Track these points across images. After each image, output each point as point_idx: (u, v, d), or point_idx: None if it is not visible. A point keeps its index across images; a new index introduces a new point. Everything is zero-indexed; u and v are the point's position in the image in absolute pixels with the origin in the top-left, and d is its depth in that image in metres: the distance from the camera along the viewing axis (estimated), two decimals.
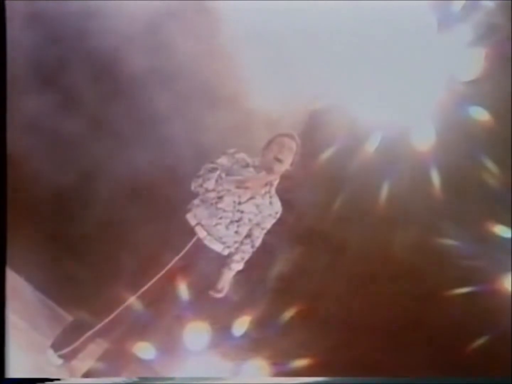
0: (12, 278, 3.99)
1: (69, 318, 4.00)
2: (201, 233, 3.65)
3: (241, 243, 3.76)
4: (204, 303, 3.80)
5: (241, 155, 3.83)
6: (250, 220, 3.74)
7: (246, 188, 3.65)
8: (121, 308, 3.54)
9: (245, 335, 4.28)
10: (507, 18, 4.43)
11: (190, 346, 3.99)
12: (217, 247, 3.69)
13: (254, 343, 4.28)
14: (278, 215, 3.85)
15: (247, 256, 3.79)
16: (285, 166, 3.84)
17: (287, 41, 4.59)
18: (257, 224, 3.79)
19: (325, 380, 3.41)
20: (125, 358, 3.59)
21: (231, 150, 3.83)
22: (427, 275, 4.50)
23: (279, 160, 3.80)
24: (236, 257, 3.75)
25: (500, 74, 4.58)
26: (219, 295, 3.74)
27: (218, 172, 3.68)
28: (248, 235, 3.78)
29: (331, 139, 4.67)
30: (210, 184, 3.66)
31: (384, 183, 4.60)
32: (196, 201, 3.74)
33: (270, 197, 3.83)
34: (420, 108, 4.65)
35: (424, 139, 4.61)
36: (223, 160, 3.77)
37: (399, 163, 4.61)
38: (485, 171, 4.58)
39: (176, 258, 3.60)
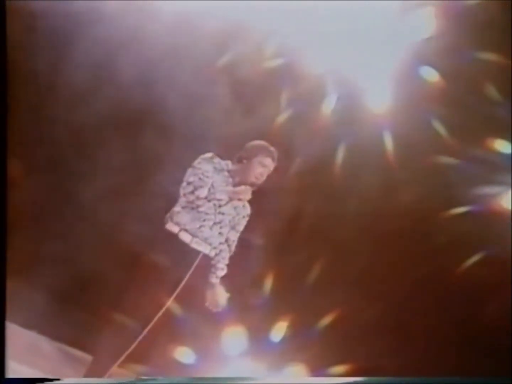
0: (25, 335, 4.04)
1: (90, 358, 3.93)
2: (186, 237, 3.72)
3: (220, 249, 3.86)
4: (242, 308, 3.96)
5: (217, 160, 3.86)
6: (229, 221, 3.85)
7: (239, 200, 3.78)
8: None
9: (283, 341, 4.38)
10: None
11: (229, 351, 4.11)
12: (204, 248, 3.77)
13: (292, 349, 4.35)
14: (248, 217, 3.95)
15: (227, 261, 3.89)
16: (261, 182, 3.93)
17: None
18: (233, 227, 3.89)
19: (358, 381, 3.42)
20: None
21: (209, 155, 3.85)
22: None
23: (258, 180, 3.87)
24: (220, 265, 3.86)
25: (451, 33, 4.59)
26: (218, 309, 3.80)
27: (210, 182, 3.74)
28: (226, 240, 3.88)
29: (287, 101, 4.57)
30: (203, 193, 3.71)
31: (340, 146, 4.58)
32: (176, 208, 3.77)
33: None
34: (375, 68, 4.61)
35: (379, 100, 4.60)
36: (204, 166, 3.78)
37: (355, 125, 4.58)
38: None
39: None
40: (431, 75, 4.66)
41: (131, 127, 4.49)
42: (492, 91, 4.57)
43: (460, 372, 3.92)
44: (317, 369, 4.28)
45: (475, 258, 4.46)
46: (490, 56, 4.57)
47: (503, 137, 4.57)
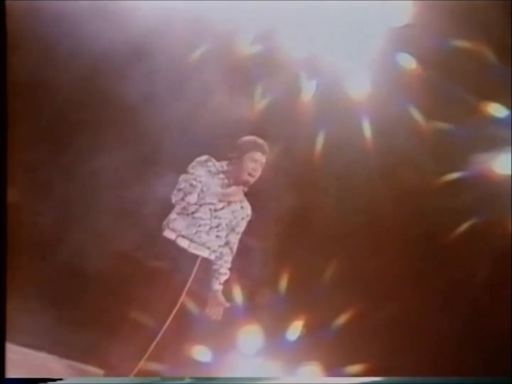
0: (34, 356, 3.99)
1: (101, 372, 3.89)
2: (183, 243, 3.73)
3: (221, 252, 3.85)
4: (258, 307, 3.99)
5: (212, 162, 3.84)
6: (227, 225, 3.84)
7: (229, 202, 3.78)
8: None
9: (298, 340, 4.41)
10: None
11: (245, 350, 4.15)
12: (203, 252, 3.78)
13: (308, 348, 4.37)
14: (249, 218, 3.94)
15: (230, 265, 3.89)
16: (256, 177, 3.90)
17: None
18: (233, 230, 3.88)
19: (374, 380, 3.45)
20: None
21: (203, 158, 3.82)
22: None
23: (253, 176, 3.85)
24: (223, 270, 3.85)
25: (428, 20, 4.61)
26: (218, 318, 3.80)
27: (200, 186, 3.73)
28: (227, 243, 3.87)
29: (267, 88, 4.56)
30: (193, 198, 3.72)
31: (320, 133, 4.59)
32: (172, 215, 3.78)
33: (241, 201, 3.89)
34: (354, 56, 4.61)
35: (358, 87, 4.61)
36: (197, 170, 3.77)
37: (334, 112, 4.59)
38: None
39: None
40: (409, 62, 4.69)
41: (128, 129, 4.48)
42: (469, 77, 4.62)
43: (462, 372, 4.00)
44: (333, 368, 4.32)
45: (467, 225, 4.55)
46: (467, 44, 4.62)
47: (482, 124, 4.62)
